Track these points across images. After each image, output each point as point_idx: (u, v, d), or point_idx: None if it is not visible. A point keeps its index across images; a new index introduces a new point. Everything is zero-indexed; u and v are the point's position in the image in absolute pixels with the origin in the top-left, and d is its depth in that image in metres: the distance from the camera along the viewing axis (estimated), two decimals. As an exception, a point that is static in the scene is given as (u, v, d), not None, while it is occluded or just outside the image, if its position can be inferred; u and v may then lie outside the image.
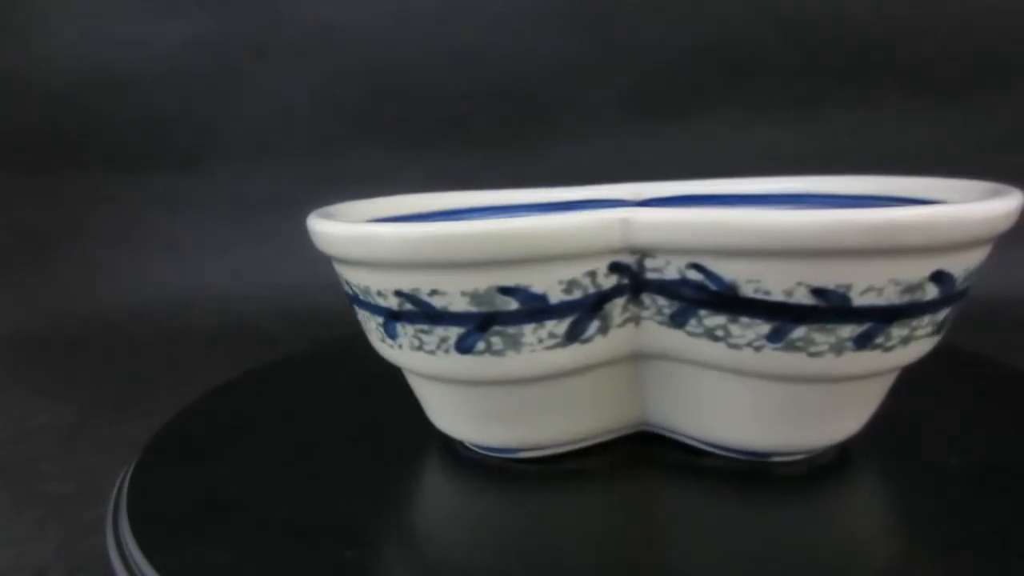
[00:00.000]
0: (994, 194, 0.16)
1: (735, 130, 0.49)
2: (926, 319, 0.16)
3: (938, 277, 0.15)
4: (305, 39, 0.52)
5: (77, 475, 0.28)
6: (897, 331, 0.16)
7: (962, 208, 0.15)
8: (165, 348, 0.43)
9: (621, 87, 0.50)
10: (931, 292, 0.16)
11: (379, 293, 0.17)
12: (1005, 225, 0.16)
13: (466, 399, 0.19)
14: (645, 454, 0.20)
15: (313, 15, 0.52)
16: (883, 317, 0.16)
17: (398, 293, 0.17)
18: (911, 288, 0.15)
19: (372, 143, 0.52)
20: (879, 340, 0.16)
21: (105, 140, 0.54)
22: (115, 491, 0.20)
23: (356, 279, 0.18)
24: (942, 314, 0.16)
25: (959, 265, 0.16)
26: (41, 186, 0.54)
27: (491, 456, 0.20)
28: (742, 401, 0.18)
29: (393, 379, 0.21)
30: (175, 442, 0.22)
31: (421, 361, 0.18)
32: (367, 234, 0.16)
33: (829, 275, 0.15)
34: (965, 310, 0.44)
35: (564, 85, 0.51)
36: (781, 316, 0.16)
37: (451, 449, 0.21)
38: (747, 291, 0.16)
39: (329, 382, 0.27)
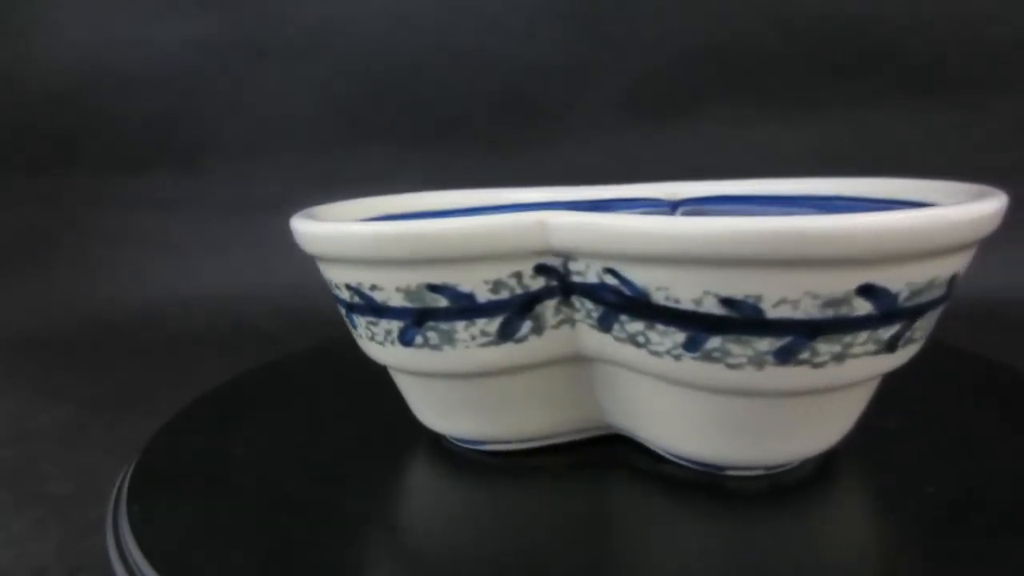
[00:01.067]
0: (974, 197, 0.16)
1: (735, 130, 0.49)
2: (863, 336, 0.15)
3: (868, 291, 0.14)
4: (305, 39, 0.52)
5: (77, 475, 0.28)
6: (825, 347, 0.15)
7: (883, 218, 0.14)
8: (165, 348, 0.43)
9: (621, 87, 0.50)
10: (863, 307, 0.15)
11: (336, 286, 0.19)
12: (949, 238, 0.14)
13: (425, 389, 0.19)
14: (610, 455, 0.20)
15: (313, 15, 0.52)
16: (804, 331, 0.15)
17: (348, 287, 0.18)
18: (834, 302, 0.14)
19: (372, 143, 0.52)
20: (804, 355, 0.15)
21: (105, 140, 0.54)
22: (115, 491, 0.20)
23: (323, 273, 0.19)
24: (890, 330, 0.15)
25: (897, 278, 0.14)
26: (41, 186, 0.54)
27: (467, 449, 0.21)
28: (677, 410, 0.17)
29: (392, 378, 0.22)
30: (175, 442, 0.22)
31: (376, 351, 0.19)
32: (317, 232, 0.18)
33: (738, 285, 0.14)
34: (965, 310, 0.44)
35: (564, 85, 0.51)
36: (693, 325, 0.15)
37: (437, 443, 0.21)
38: (658, 298, 0.15)
39: (329, 382, 0.27)
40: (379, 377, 0.23)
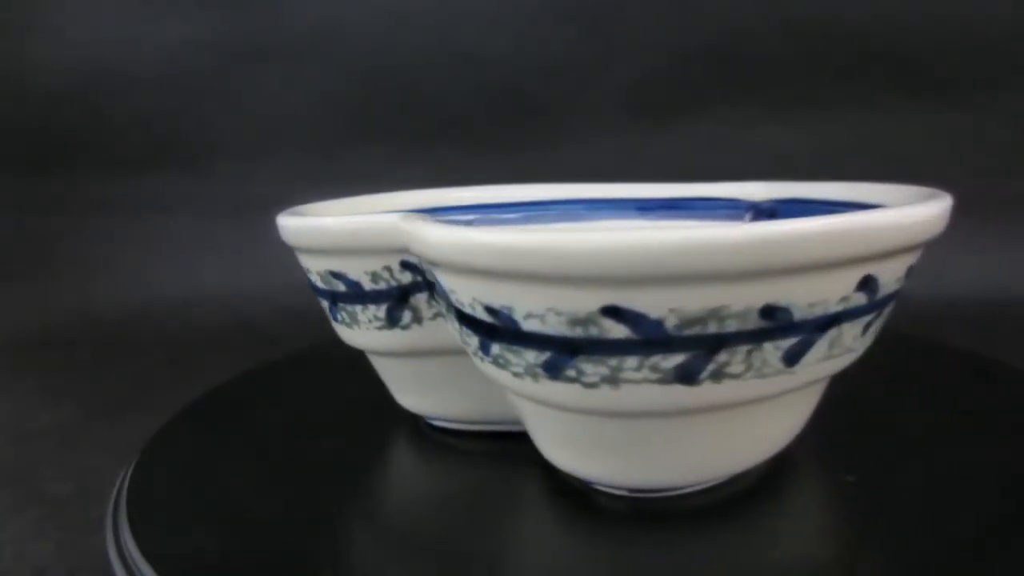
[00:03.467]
0: (911, 200, 0.15)
1: (736, 130, 0.49)
2: (630, 360, 0.14)
3: (614, 312, 0.13)
4: (305, 39, 0.52)
5: (77, 475, 0.28)
6: (591, 368, 0.14)
7: (585, 239, 0.13)
8: (165, 348, 0.43)
9: (621, 87, 0.50)
10: (615, 330, 0.14)
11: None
12: (682, 258, 0.13)
13: (376, 365, 0.22)
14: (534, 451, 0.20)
15: (313, 15, 0.52)
16: (562, 348, 0.14)
17: (305, 271, 0.21)
18: (579, 321, 0.14)
19: (372, 143, 0.52)
20: (569, 372, 0.14)
21: (105, 140, 0.54)
22: (115, 491, 0.20)
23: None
24: (670, 360, 0.14)
25: (656, 302, 0.13)
26: (41, 186, 0.54)
27: (436, 427, 0.22)
28: (526, 413, 0.17)
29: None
30: (175, 442, 0.22)
31: (336, 328, 0.21)
32: (285, 224, 0.20)
33: (497, 295, 0.14)
34: (965, 310, 0.44)
35: (564, 85, 0.51)
36: (480, 331, 0.15)
37: (444, 444, 0.22)
38: (452, 300, 0.16)
39: (329, 381, 0.27)
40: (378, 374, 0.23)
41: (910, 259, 0.15)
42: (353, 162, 0.51)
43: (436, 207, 0.25)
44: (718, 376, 0.14)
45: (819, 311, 0.14)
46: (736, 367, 0.14)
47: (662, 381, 0.14)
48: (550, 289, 0.14)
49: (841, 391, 0.20)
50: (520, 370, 0.15)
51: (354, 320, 0.20)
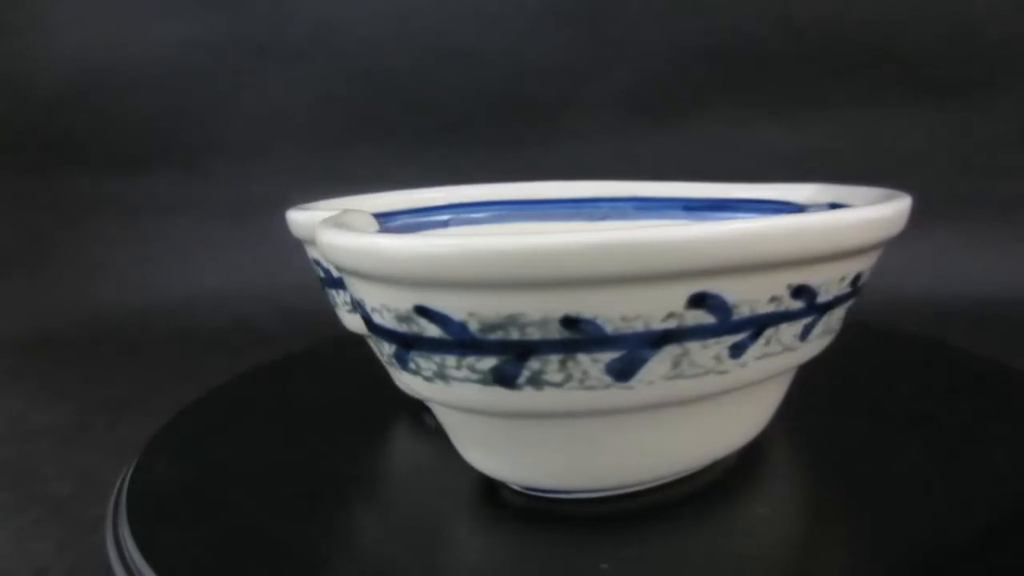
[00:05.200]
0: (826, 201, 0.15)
1: (736, 130, 0.49)
2: (450, 359, 0.14)
3: (424, 312, 0.14)
4: (305, 39, 0.52)
5: (77, 475, 0.28)
6: (424, 363, 0.15)
7: (429, 243, 0.13)
8: (165, 348, 0.43)
9: (621, 87, 0.50)
10: (430, 328, 0.14)
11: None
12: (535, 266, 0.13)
13: None
14: None
15: (313, 15, 0.52)
16: (400, 342, 0.15)
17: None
18: (403, 318, 0.14)
19: (372, 143, 0.52)
20: (411, 365, 0.15)
21: (105, 140, 0.54)
22: (115, 491, 0.20)
23: None
24: (484, 362, 0.14)
25: (457, 305, 0.13)
26: (41, 186, 0.54)
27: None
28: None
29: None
30: (175, 442, 0.22)
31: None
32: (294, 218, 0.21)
33: (355, 291, 0.15)
34: (965, 310, 0.43)
35: (564, 85, 0.51)
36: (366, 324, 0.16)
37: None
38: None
39: (329, 381, 0.27)
40: (379, 374, 0.23)
41: (783, 278, 0.14)
42: (353, 162, 0.51)
43: (414, 208, 0.25)
44: (537, 383, 0.14)
45: (640, 326, 0.14)
46: (553, 376, 0.14)
47: (482, 382, 0.14)
48: (378, 287, 0.14)
49: (831, 388, 0.20)
50: (384, 360, 0.16)
51: (334, 305, 0.22)
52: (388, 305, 0.14)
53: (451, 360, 0.14)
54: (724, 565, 0.15)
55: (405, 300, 0.14)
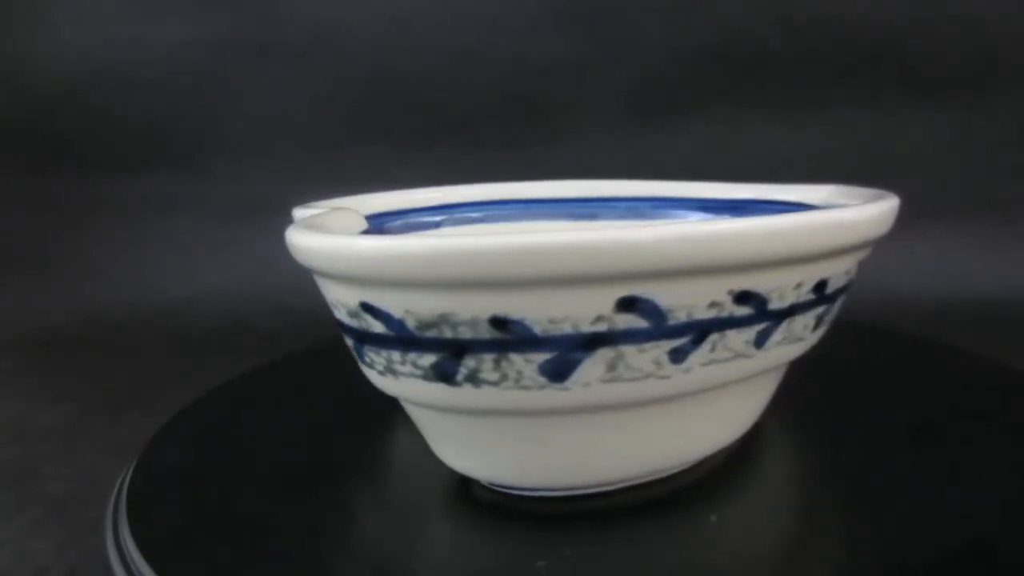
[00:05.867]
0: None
1: (736, 130, 0.49)
2: (395, 354, 0.15)
3: (369, 309, 0.14)
4: (305, 39, 0.52)
5: (77, 475, 0.28)
6: (375, 356, 0.15)
7: (335, 241, 0.14)
8: (165, 348, 0.43)
9: (621, 87, 0.50)
10: (375, 324, 0.15)
11: None
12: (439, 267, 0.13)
13: None
14: None
15: (313, 15, 0.52)
16: (354, 336, 0.16)
17: None
18: (352, 313, 0.15)
19: (372, 143, 0.52)
20: (366, 359, 0.16)
21: (105, 140, 0.54)
22: (115, 491, 0.20)
23: None
24: (424, 358, 0.14)
25: (395, 303, 0.14)
26: (41, 186, 0.54)
27: None
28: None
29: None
30: (175, 442, 0.22)
31: None
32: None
33: (321, 288, 0.16)
34: (965, 310, 0.43)
35: (564, 85, 0.51)
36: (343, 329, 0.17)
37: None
38: None
39: (329, 381, 0.27)
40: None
41: (723, 284, 0.14)
42: (354, 162, 0.51)
43: (412, 208, 0.25)
44: (475, 381, 0.14)
45: (568, 328, 0.14)
46: (489, 374, 0.14)
47: (425, 378, 0.15)
48: (331, 284, 0.15)
49: (829, 388, 0.20)
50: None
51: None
52: (341, 300, 0.15)
53: (396, 356, 0.15)
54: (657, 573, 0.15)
55: (353, 297, 0.15)
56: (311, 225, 0.16)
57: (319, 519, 0.17)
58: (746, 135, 0.49)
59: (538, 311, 0.13)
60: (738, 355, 0.15)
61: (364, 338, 0.15)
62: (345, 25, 0.52)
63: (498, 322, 0.14)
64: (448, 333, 0.14)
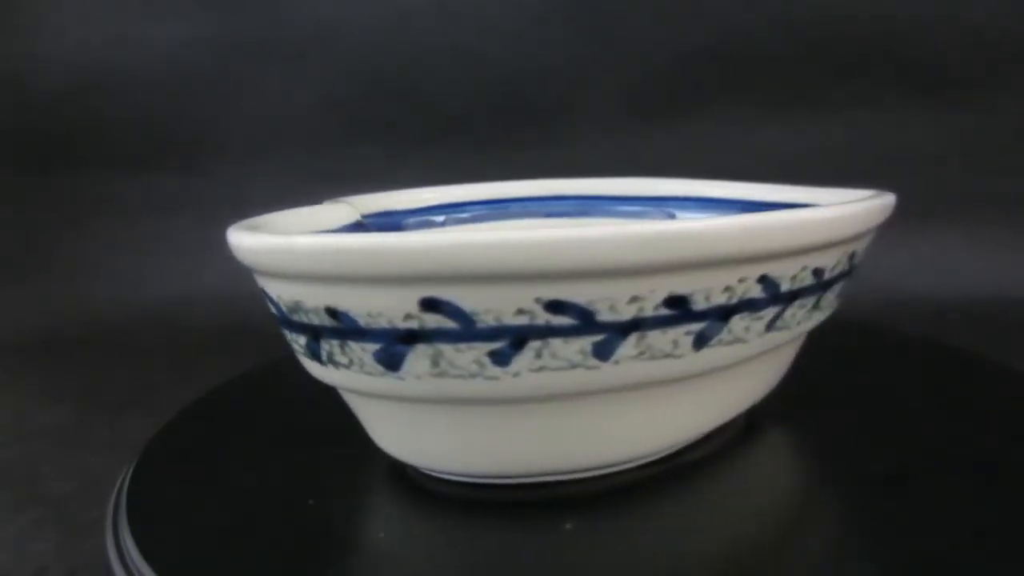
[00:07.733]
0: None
1: (735, 130, 0.49)
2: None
3: (264, 293, 0.16)
4: (305, 39, 0.52)
5: (77, 475, 0.28)
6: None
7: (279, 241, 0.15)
8: (165, 348, 0.43)
9: (621, 87, 0.50)
10: (271, 306, 0.17)
11: None
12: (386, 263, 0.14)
13: None
14: None
15: (313, 15, 0.52)
16: (297, 329, 0.17)
17: None
18: (294, 309, 0.16)
19: (372, 143, 0.52)
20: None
21: (105, 140, 0.54)
22: (115, 491, 0.20)
23: None
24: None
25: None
26: (41, 186, 0.54)
27: None
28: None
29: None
30: (175, 442, 0.22)
31: None
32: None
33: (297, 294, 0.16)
34: (965, 310, 0.43)
35: (564, 85, 0.51)
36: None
37: None
38: None
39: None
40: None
41: (528, 292, 0.14)
42: (353, 162, 0.51)
43: (410, 208, 0.25)
44: (334, 363, 0.16)
45: (384, 323, 0.15)
46: (340, 357, 0.16)
47: (303, 354, 0.17)
48: (266, 279, 0.16)
49: (828, 387, 0.20)
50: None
51: None
52: (280, 295, 0.16)
53: (286, 332, 0.17)
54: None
55: (305, 293, 0.16)
56: (251, 226, 0.18)
57: (319, 519, 0.17)
58: (746, 135, 0.49)
59: (359, 305, 0.15)
60: (573, 365, 0.15)
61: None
62: (345, 25, 0.51)
63: (332, 312, 0.15)
64: (303, 318, 0.16)
